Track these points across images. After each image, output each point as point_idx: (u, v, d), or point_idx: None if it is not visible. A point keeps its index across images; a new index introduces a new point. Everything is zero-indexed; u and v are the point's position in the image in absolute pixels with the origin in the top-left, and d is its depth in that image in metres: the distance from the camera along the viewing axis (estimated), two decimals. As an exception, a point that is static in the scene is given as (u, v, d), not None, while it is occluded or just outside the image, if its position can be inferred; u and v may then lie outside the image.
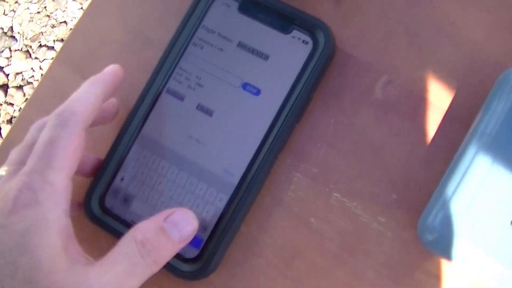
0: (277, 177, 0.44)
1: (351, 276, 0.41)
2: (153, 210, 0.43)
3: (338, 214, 0.42)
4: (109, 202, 0.44)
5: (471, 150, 0.38)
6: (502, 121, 0.38)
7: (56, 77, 0.49)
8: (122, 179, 0.43)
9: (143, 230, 0.36)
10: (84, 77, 0.48)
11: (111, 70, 0.42)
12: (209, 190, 0.42)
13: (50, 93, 0.49)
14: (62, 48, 0.49)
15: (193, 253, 0.42)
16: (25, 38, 1.70)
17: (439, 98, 0.42)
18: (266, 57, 0.43)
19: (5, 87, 1.68)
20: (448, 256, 0.38)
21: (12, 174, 0.37)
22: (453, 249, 0.37)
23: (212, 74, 0.43)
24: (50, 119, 0.37)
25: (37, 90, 0.49)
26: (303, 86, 0.42)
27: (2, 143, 0.49)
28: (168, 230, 0.36)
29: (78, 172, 0.41)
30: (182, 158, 0.43)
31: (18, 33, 1.71)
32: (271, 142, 0.41)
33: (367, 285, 0.41)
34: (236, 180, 0.42)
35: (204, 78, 0.43)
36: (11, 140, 0.49)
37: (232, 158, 0.42)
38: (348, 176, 0.43)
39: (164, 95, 0.44)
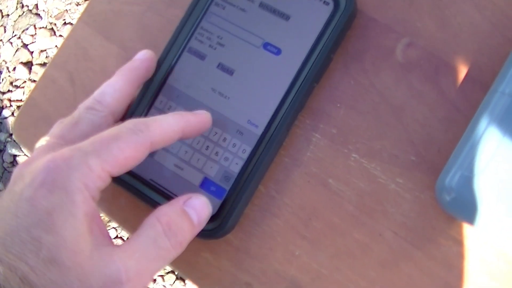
0: (296, 138, 0.44)
1: (368, 237, 0.42)
2: (177, 160, 0.43)
3: (357, 175, 0.42)
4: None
5: (490, 110, 0.38)
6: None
7: (79, 38, 0.50)
8: None
9: (166, 212, 0.36)
10: (107, 37, 0.49)
11: (143, 56, 0.43)
12: (233, 141, 0.42)
13: (73, 54, 0.49)
14: (85, 9, 0.50)
15: (215, 203, 0.42)
16: (50, 16, 1.71)
17: (459, 61, 0.42)
18: (287, 18, 0.43)
19: (29, 64, 1.69)
20: (465, 217, 0.38)
21: (50, 146, 0.37)
22: (470, 209, 0.37)
23: (233, 34, 0.44)
24: (131, 123, 0.36)
25: (60, 50, 0.50)
26: (323, 46, 0.42)
27: (26, 103, 0.50)
28: (189, 213, 0.37)
29: None
30: (206, 109, 0.43)
31: (43, 10, 1.72)
32: (291, 100, 0.42)
33: (384, 247, 0.41)
34: (259, 131, 0.42)
35: (226, 38, 0.44)
36: (34, 99, 0.50)
37: (255, 111, 0.42)
38: (367, 137, 0.43)
39: (185, 54, 0.44)
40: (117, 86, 0.41)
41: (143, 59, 0.43)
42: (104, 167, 0.34)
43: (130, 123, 0.36)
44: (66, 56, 0.50)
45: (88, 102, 0.40)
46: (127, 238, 0.35)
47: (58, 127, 0.39)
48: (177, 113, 0.39)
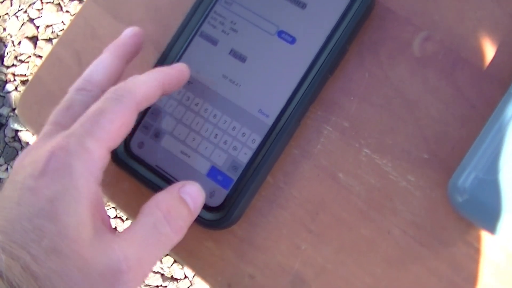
0: (307, 129, 0.43)
1: (375, 234, 0.41)
2: (184, 147, 0.42)
3: (367, 170, 0.42)
4: (136, 140, 0.43)
5: (508, 111, 0.37)
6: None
7: (88, 17, 0.49)
8: (153, 115, 0.43)
9: (164, 199, 0.36)
10: (116, 17, 0.48)
11: (129, 33, 0.42)
12: (242, 130, 0.41)
13: (81, 32, 0.48)
14: (96, -13, 0.49)
15: (221, 193, 0.41)
16: (57, -9, 1.70)
17: (478, 57, 0.41)
18: (303, 6, 0.42)
19: (34, 39, 1.68)
20: (477, 220, 0.37)
21: (47, 134, 0.36)
22: (483, 212, 0.37)
23: (247, 20, 0.42)
24: (110, 92, 0.36)
25: (68, 29, 0.49)
26: (339, 37, 0.41)
27: (31, 81, 0.49)
28: (186, 199, 0.37)
29: None
30: (216, 96, 0.42)
31: (51, -15, 1.71)
32: (304, 91, 0.41)
33: (392, 244, 0.41)
34: (270, 121, 0.41)
35: (239, 24, 0.43)
36: (40, 77, 0.49)
37: (266, 100, 0.41)
38: (379, 131, 0.42)
39: (197, 39, 0.43)
40: (105, 63, 0.41)
41: (129, 35, 0.42)
42: (101, 145, 0.34)
43: (110, 92, 0.36)
44: (74, 34, 0.49)
45: (77, 83, 0.40)
46: (127, 227, 0.35)
47: (52, 115, 0.39)
48: (154, 69, 0.39)
